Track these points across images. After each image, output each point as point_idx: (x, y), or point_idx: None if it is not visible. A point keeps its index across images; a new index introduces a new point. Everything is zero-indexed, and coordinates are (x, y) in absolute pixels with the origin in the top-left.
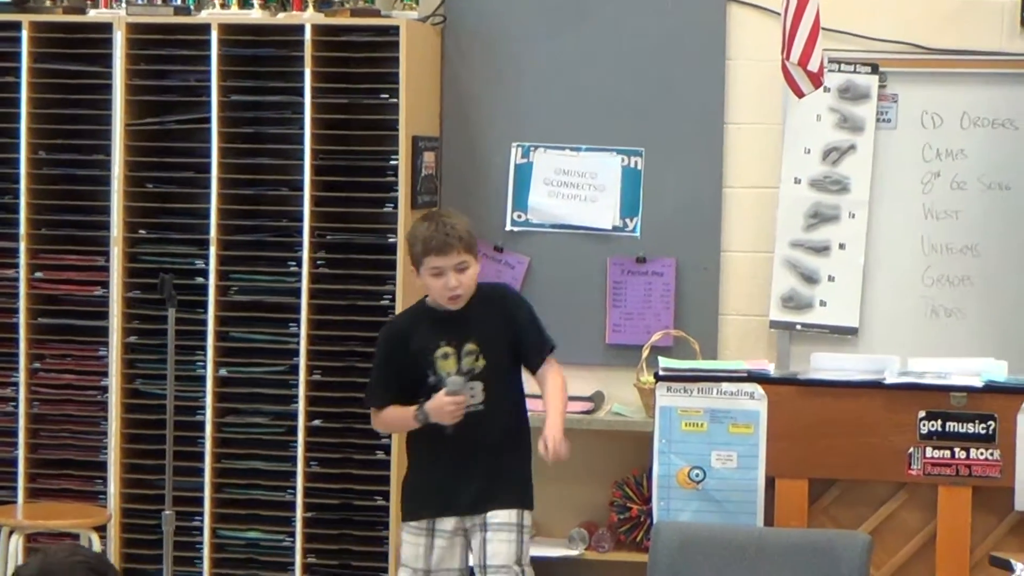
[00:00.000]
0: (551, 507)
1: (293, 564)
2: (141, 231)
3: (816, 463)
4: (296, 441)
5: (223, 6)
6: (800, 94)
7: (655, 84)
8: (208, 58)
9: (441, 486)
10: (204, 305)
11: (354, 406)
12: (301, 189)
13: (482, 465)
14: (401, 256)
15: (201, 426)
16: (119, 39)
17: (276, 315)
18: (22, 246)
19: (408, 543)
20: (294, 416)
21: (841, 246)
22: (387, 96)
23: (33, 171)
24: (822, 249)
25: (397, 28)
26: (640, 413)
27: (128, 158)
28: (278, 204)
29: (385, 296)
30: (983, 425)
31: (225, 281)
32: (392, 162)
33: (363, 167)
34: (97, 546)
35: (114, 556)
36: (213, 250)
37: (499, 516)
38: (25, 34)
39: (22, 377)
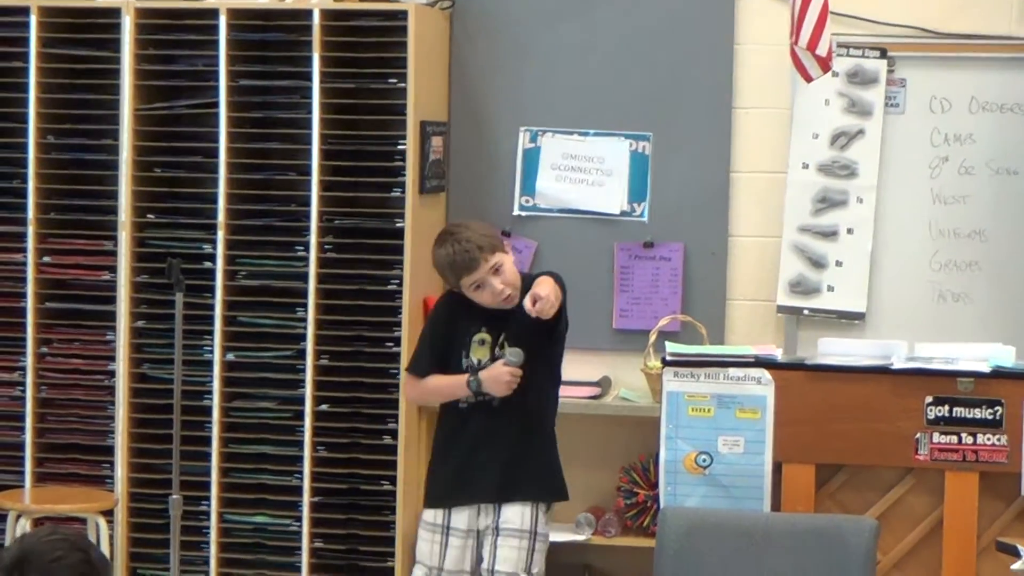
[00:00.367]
0: None
1: (300, 548)
2: (149, 216)
3: (823, 448)
4: (303, 426)
5: None
6: (808, 79)
7: (663, 69)
8: (216, 43)
9: (460, 472)
10: (212, 289)
11: (361, 391)
12: (309, 174)
13: (503, 454)
14: (409, 241)
15: (208, 410)
16: (127, 23)
17: (284, 300)
18: (30, 230)
19: (423, 540)
20: (301, 401)
21: (849, 231)
22: (395, 81)
23: (41, 156)
24: (830, 234)
25: (405, 13)
26: (647, 398)
27: (136, 143)
28: (286, 189)
29: (392, 281)
30: (990, 410)
31: (233, 266)
32: (400, 147)
33: (371, 152)
34: (104, 530)
35: (121, 540)
36: (221, 235)
37: (512, 521)
38: (33, 19)
39: (30, 361)
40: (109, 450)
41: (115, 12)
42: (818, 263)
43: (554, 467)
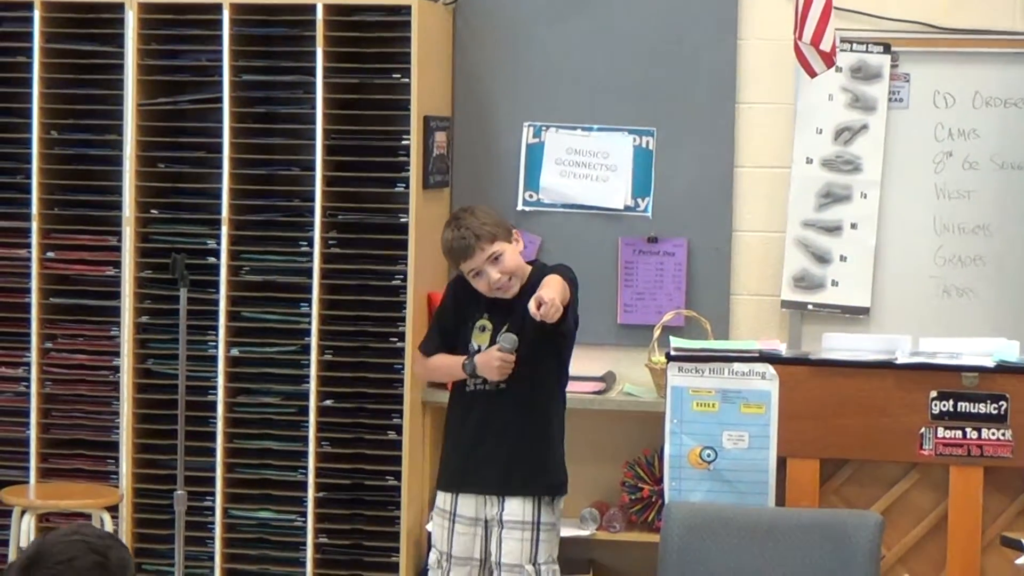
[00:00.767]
0: None
1: (305, 544)
2: (153, 211)
3: (827, 443)
4: (307, 421)
5: None
6: (812, 74)
7: (667, 64)
8: (220, 38)
9: (465, 460)
10: (216, 285)
11: (366, 386)
12: (313, 169)
13: (504, 446)
14: (412, 236)
15: (213, 406)
16: (131, 19)
17: (287, 295)
18: (34, 226)
19: (435, 524)
20: (305, 396)
21: (853, 226)
22: (399, 76)
23: (45, 151)
24: (834, 229)
25: (409, 8)
26: (652, 393)
27: (140, 138)
28: (290, 184)
29: (396, 276)
30: (995, 405)
31: (237, 261)
32: (404, 142)
33: (375, 147)
34: (109, 526)
35: (126, 536)
36: (225, 230)
37: (514, 513)
38: (37, 14)
39: (34, 357)
40: (113, 446)
41: (119, 7)
42: (822, 258)
43: (553, 462)
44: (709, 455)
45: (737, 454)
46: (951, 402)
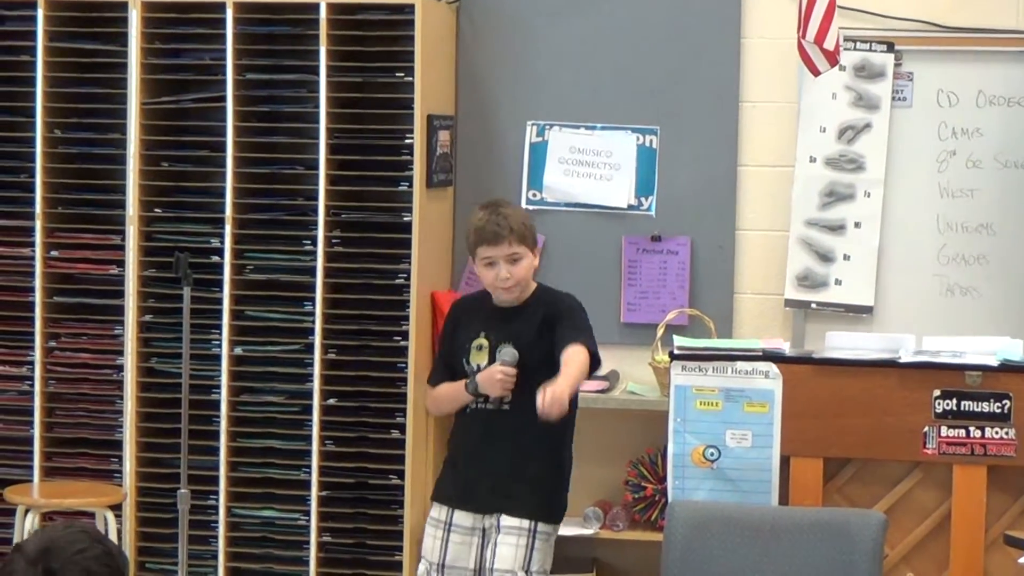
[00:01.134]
0: None
1: (308, 543)
2: (156, 210)
3: (831, 442)
4: (311, 420)
5: None
6: (816, 72)
7: (670, 62)
8: (223, 36)
9: (465, 478)
10: (219, 283)
11: (369, 385)
12: (316, 168)
13: (504, 466)
14: (416, 235)
15: (216, 405)
16: (134, 17)
17: (291, 294)
18: (38, 225)
19: (428, 535)
20: (309, 395)
21: (856, 225)
22: (402, 75)
23: (49, 150)
24: (837, 228)
25: (412, 7)
26: (655, 392)
27: (143, 136)
28: (293, 183)
29: (400, 275)
30: (998, 404)
31: (240, 259)
32: (407, 141)
33: (378, 146)
34: (112, 525)
35: (129, 535)
36: (228, 228)
37: (511, 520)
38: (41, 12)
39: (38, 356)
40: (117, 444)
41: (122, 6)
42: (825, 257)
43: (551, 488)
44: (712, 454)
45: (740, 453)
46: (954, 401)
